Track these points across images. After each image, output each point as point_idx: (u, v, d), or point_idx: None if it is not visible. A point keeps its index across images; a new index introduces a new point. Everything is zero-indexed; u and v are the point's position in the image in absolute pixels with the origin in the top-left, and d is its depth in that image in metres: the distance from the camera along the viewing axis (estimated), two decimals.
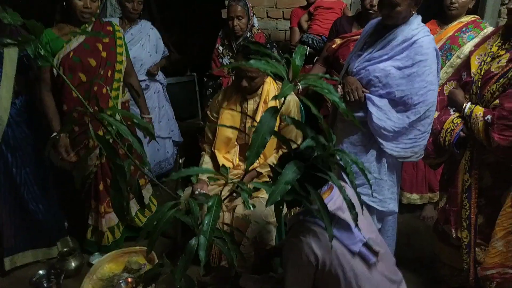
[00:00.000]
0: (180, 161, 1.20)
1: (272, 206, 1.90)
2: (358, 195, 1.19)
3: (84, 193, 2.21)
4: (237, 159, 2.16)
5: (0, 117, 1.92)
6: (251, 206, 0.97)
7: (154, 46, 2.85)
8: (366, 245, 1.29)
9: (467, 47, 2.22)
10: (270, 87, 2.05)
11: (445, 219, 1.75)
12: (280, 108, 1.03)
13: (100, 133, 1.83)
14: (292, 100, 2.05)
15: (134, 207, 2.36)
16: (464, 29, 2.29)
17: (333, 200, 1.31)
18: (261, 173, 2.06)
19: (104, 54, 2.05)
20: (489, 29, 2.24)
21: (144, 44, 2.78)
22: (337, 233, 1.28)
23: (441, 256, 1.90)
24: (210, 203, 0.96)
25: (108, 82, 2.07)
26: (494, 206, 1.57)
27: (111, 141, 1.19)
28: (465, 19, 2.31)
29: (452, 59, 2.30)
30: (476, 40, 2.19)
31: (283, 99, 0.98)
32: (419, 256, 2.29)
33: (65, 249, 2.25)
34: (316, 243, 1.27)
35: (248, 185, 1.06)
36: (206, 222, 0.94)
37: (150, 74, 2.83)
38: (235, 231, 1.49)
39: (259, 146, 0.97)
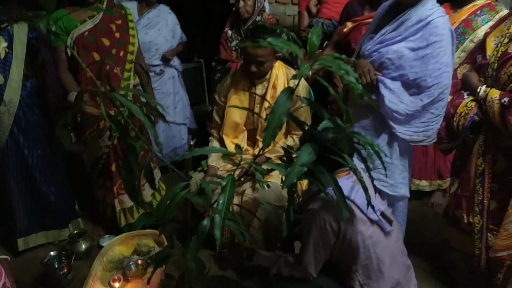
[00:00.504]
0: (192, 142, 1.20)
1: (280, 189, 1.92)
2: (372, 179, 1.18)
3: (98, 174, 2.22)
4: (245, 144, 2.15)
5: (11, 99, 1.93)
6: (265, 186, 0.97)
7: (171, 31, 2.80)
8: (382, 214, 1.33)
9: (482, 31, 2.15)
10: (279, 71, 2.02)
11: (457, 204, 1.74)
12: (295, 88, 1.02)
13: (112, 113, 1.82)
14: (301, 84, 2.03)
15: (148, 191, 2.36)
16: (478, 12, 2.23)
17: (351, 175, 1.37)
18: (270, 158, 2.05)
19: (117, 35, 2.05)
20: (505, 12, 2.17)
21: (160, 28, 2.73)
22: (357, 201, 1.34)
23: (451, 241, 1.89)
24: (224, 183, 0.96)
25: (121, 62, 2.07)
26: (507, 191, 1.56)
27: (122, 121, 1.19)
28: (480, 1, 2.24)
29: (465, 43, 2.24)
30: (491, 23, 2.12)
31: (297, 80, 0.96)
32: (427, 242, 2.29)
33: (75, 231, 2.28)
34: (338, 211, 1.30)
35: (262, 166, 1.05)
36: (221, 201, 0.93)
37: (165, 59, 2.79)
38: (245, 212, 1.49)
39: (275, 127, 0.95)
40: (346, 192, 1.33)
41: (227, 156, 1.79)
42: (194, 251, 1.12)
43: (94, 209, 2.44)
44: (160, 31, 2.73)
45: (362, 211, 1.34)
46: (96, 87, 1.07)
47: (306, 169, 1.00)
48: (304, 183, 1.98)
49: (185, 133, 3.10)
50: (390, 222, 1.37)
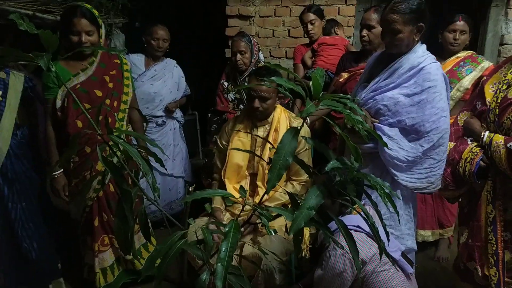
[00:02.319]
0: (190, 189, 1.13)
1: (283, 243, 1.81)
2: (384, 225, 1.11)
3: (80, 229, 2.08)
4: (248, 190, 2.07)
5: (0, 148, 1.85)
6: (272, 232, 0.89)
7: (176, 84, 2.85)
8: (402, 254, 1.24)
9: (467, 80, 2.32)
10: (281, 115, 2.03)
11: (468, 255, 1.64)
12: (300, 128, 0.98)
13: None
14: (303, 130, 2.01)
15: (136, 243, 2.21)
16: (462, 63, 2.37)
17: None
18: (270, 207, 1.96)
19: (111, 85, 2.04)
20: (486, 63, 2.33)
21: (166, 80, 2.78)
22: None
23: None
24: (227, 229, 0.88)
25: (114, 112, 2.04)
26: None
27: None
28: (462, 54, 2.39)
29: (452, 92, 2.34)
30: (475, 73, 2.30)
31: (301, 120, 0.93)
32: None
33: None
34: (362, 249, 1.23)
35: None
36: (223, 249, 0.84)
37: (168, 111, 2.80)
38: (246, 266, 1.38)
39: (280, 168, 0.91)
40: (365, 228, 1.25)
41: (230, 200, 1.71)
42: None
43: (78, 267, 2.26)
44: (165, 82, 2.77)
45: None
46: (95, 130, 1.03)
47: (314, 213, 0.93)
48: (307, 234, 1.87)
49: (182, 187, 3.00)
50: (411, 264, 1.27)
